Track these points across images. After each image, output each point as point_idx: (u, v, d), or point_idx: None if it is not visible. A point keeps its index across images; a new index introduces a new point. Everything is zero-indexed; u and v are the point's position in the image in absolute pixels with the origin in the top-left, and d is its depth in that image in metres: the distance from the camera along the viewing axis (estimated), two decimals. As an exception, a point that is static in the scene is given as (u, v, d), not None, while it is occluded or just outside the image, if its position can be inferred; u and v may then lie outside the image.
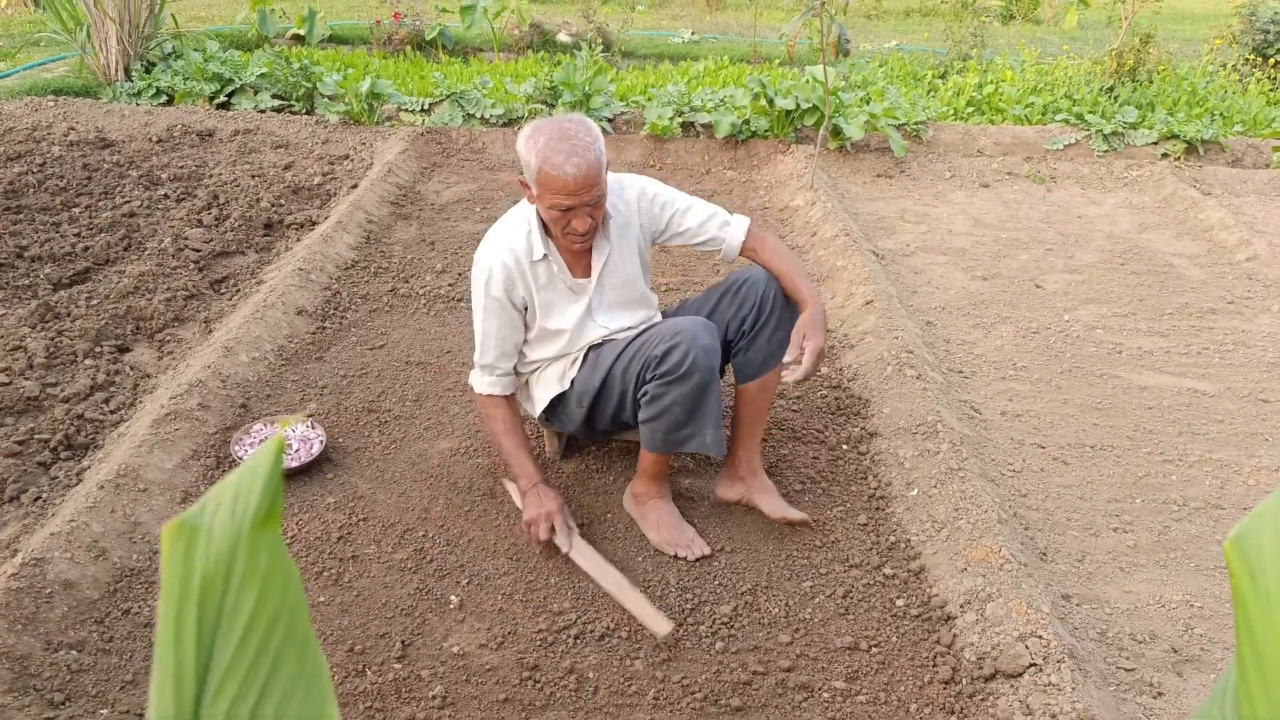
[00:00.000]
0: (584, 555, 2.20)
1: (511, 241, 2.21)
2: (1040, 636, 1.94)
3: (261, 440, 2.59)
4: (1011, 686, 1.89)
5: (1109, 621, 2.18)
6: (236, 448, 2.57)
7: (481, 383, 2.33)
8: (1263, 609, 0.56)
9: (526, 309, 2.27)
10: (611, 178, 2.25)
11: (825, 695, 1.92)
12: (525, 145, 2.06)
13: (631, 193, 2.30)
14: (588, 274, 2.28)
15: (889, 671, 1.99)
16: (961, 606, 2.12)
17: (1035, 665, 1.89)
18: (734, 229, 2.33)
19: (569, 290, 2.27)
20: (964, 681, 1.95)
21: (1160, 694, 1.98)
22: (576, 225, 2.10)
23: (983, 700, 1.90)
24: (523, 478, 2.28)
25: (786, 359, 2.17)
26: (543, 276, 2.23)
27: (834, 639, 2.07)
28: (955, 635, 2.06)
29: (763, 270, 2.31)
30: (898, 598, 2.19)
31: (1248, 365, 3.33)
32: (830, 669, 1.99)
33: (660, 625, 2.02)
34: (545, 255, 2.21)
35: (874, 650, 2.04)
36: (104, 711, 1.83)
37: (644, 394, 2.15)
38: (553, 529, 2.20)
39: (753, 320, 2.27)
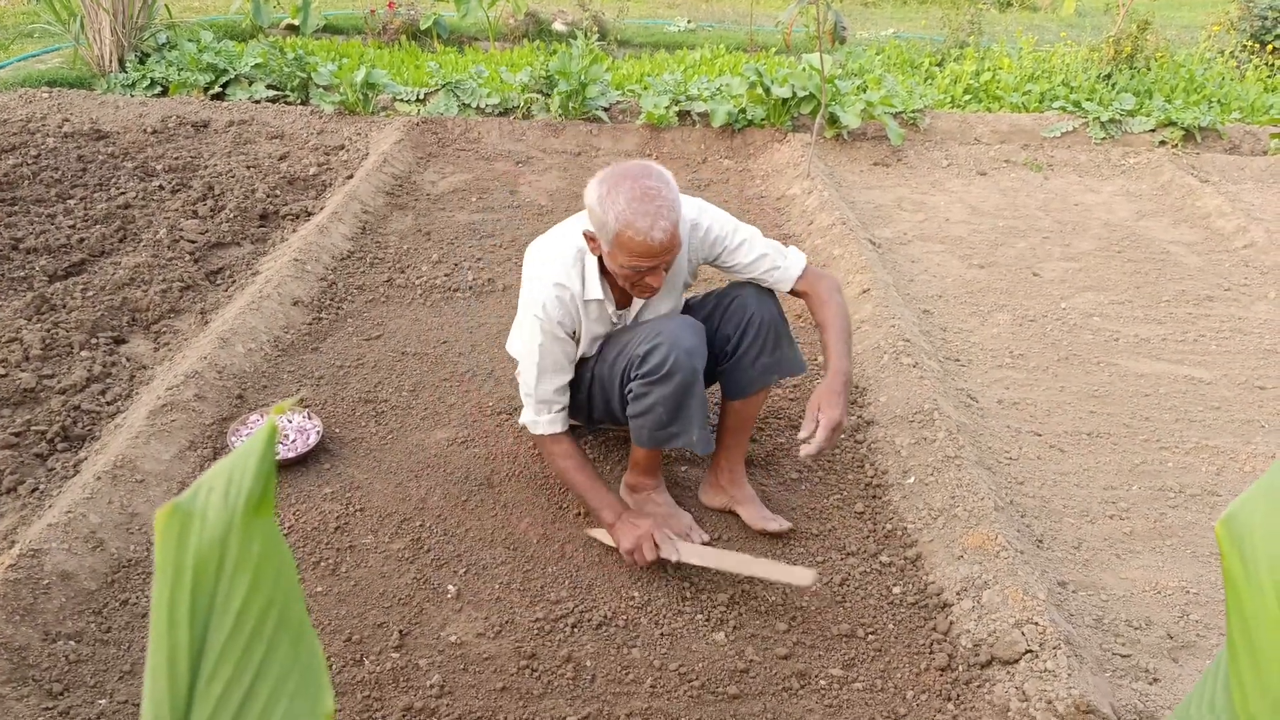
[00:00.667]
0: (694, 553, 2.16)
1: (563, 278, 2.10)
2: (1036, 623, 1.94)
3: (258, 431, 2.59)
4: (1008, 673, 1.90)
5: (1105, 608, 2.19)
6: (233, 438, 2.57)
7: (541, 422, 2.18)
8: (1253, 591, 0.56)
9: (575, 339, 2.20)
10: None
11: (822, 683, 1.93)
12: (599, 203, 1.94)
13: (684, 227, 2.14)
14: (629, 304, 2.23)
15: (885, 659, 1.99)
16: (958, 594, 2.12)
17: (1031, 651, 1.90)
18: (785, 271, 2.20)
19: (610, 320, 2.23)
20: (960, 668, 1.96)
21: (1156, 680, 1.99)
22: (651, 282, 2.00)
23: (979, 687, 1.91)
24: (607, 510, 2.16)
25: (801, 434, 2.04)
26: (594, 313, 2.17)
27: (830, 627, 2.07)
28: (952, 622, 2.07)
29: (757, 293, 2.21)
30: (894, 585, 2.20)
31: (1244, 352, 3.33)
32: (827, 656, 2.00)
33: (803, 577, 2.05)
34: (601, 299, 2.14)
35: (870, 638, 2.05)
36: (102, 701, 1.84)
37: (629, 391, 2.14)
38: (655, 546, 2.13)
39: (735, 343, 2.22)
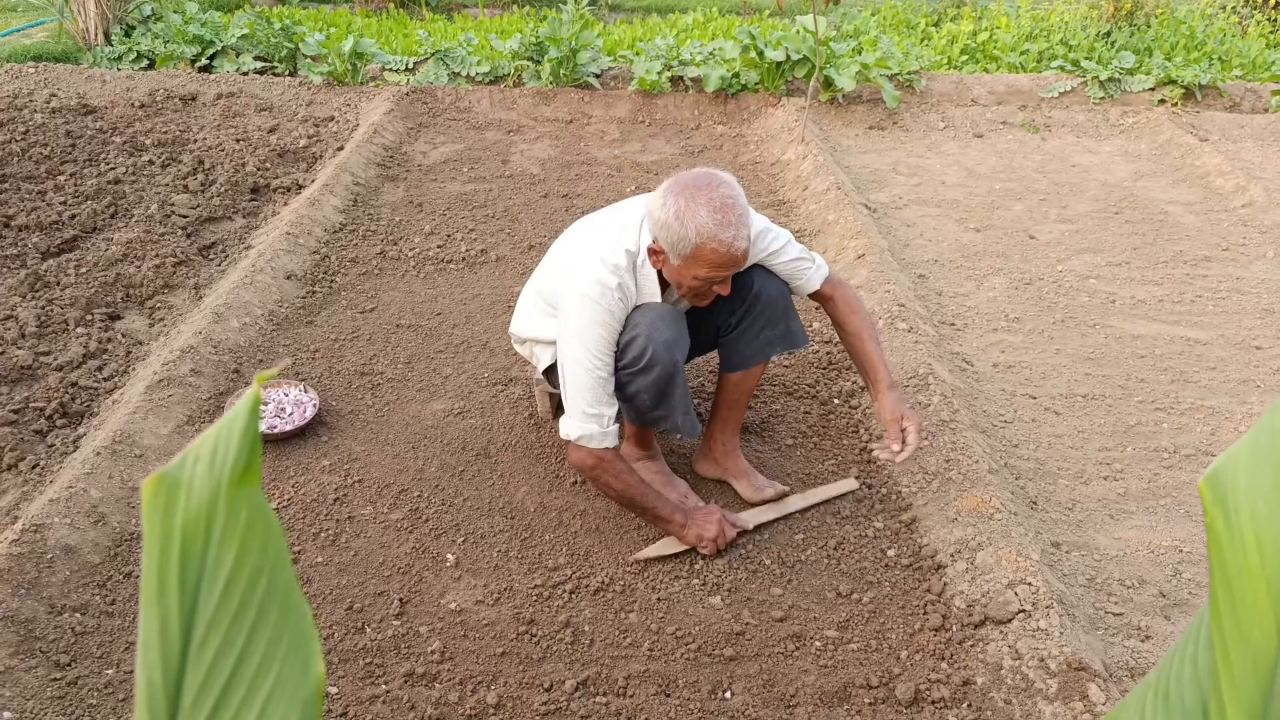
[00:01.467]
0: (759, 516, 2.27)
1: (621, 275, 2.01)
2: (1029, 583, 1.97)
3: (255, 405, 2.59)
4: (1001, 632, 1.92)
5: (1098, 567, 2.21)
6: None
7: (597, 435, 2.00)
8: (1235, 545, 0.56)
9: None
10: None
11: (817, 644, 1.96)
12: (676, 218, 1.89)
13: None
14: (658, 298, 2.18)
15: (880, 620, 2.02)
16: (952, 555, 2.15)
17: (1024, 611, 1.92)
18: (815, 273, 2.22)
19: None
20: (954, 628, 1.98)
21: (1148, 637, 2.02)
22: (720, 291, 2.00)
23: (972, 646, 1.94)
24: (677, 514, 2.11)
25: (890, 449, 2.09)
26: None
27: (826, 590, 2.10)
28: (946, 584, 2.09)
29: (763, 268, 2.19)
30: (889, 548, 2.22)
31: (1241, 312, 3.33)
32: (823, 618, 2.02)
33: (849, 485, 2.36)
34: (654, 301, 2.09)
35: (865, 600, 2.07)
36: (109, 672, 1.86)
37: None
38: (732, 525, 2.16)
39: (741, 315, 2.21)
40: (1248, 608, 0.55)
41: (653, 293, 2.07)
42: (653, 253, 2.00)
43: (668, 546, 2.16)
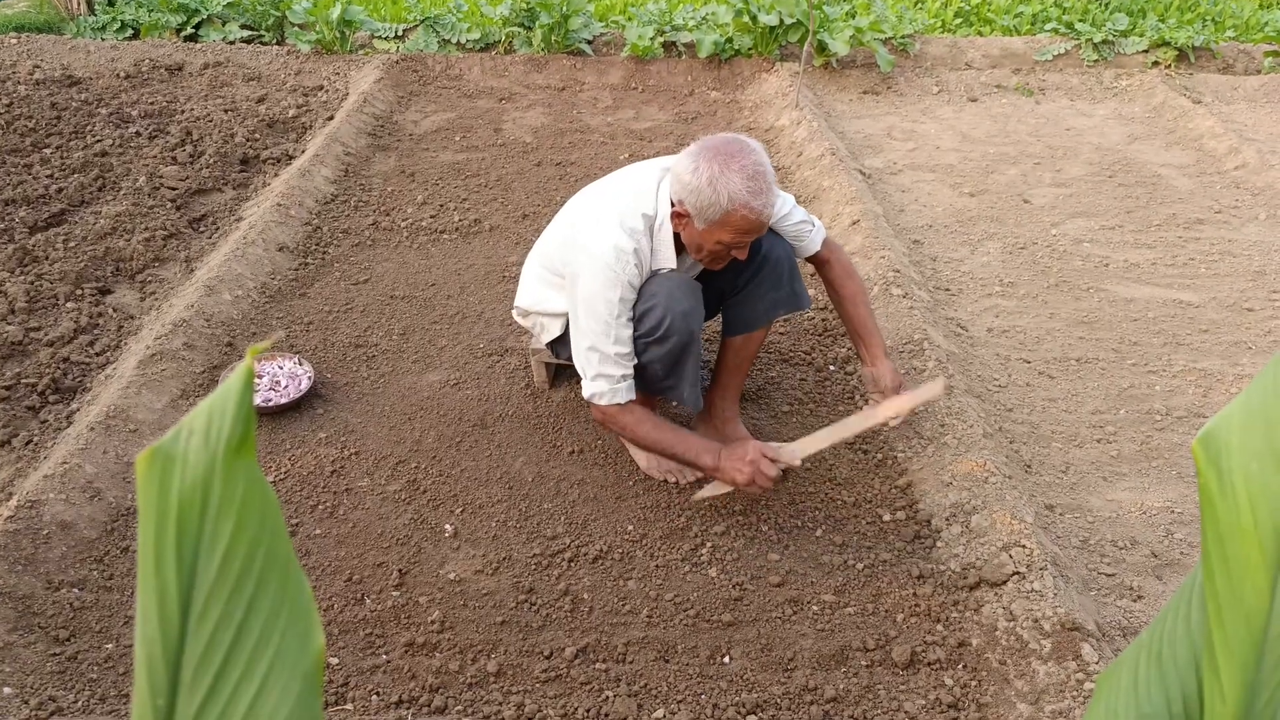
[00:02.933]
0: (809, 445, 2.11)
1: (638, 240, 2.02)
2: (1023, 546, 1.98)
3: (250, 378, 2.59)
4: (995, 594, 1.94)
5: (1091, 529, 2.23)
6: (225, 386, 2.57)
7: (614, 391, 2.03)
8: (1228, 505, 0.57)
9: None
10: None
11: (814, 608, 1.98)
12: (709, 184, 1.89)
13: None
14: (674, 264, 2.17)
15: (876, 584, 2.04)
16: (947, 519, 2.16)
17: (1018, 573, 1.94)
18: (815, 235, 2.26)
19: None
20: (949, 591, 2.00)
21: (1140, 597, 2.04)
22: (740, 255, 2.02)
23: (967, 608, 1.96)
24: (706, 454, 2.05)
25: (882, 414, 2.11)
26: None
27: (822, 555, 2.11)
28: (941, 547, 2.11)
29: (770, 232, 2.18)
30: (884, 513, 2.23)
31: (1233, 274, 3.33)
32: (820, 583, 2.04)
33: (935, 389, 2.12)
34: (674, 269, 2.09)
35: (862, 564, 2.09)
36: (109, 646, 1.87)
37: None
38: (772, 461, 2.06)
39: (749, 277, 2.21)
40: (1240, 567, 0.56)
41: (668, 257, 2.07)
42: (677, 215, 2.00)
43: (719, 487, 2.12)
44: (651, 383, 2.16)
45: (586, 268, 2.01)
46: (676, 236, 2.06)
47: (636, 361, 2.09)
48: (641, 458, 2.34)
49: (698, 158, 1.92)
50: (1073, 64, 5.32)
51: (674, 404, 2.60)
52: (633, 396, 2.06)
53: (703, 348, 2.19)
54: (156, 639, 0.48)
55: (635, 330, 2.06)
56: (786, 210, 2.21)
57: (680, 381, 2.13)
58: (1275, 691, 0.55)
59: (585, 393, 2.08)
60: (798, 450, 2.08)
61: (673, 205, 2.00)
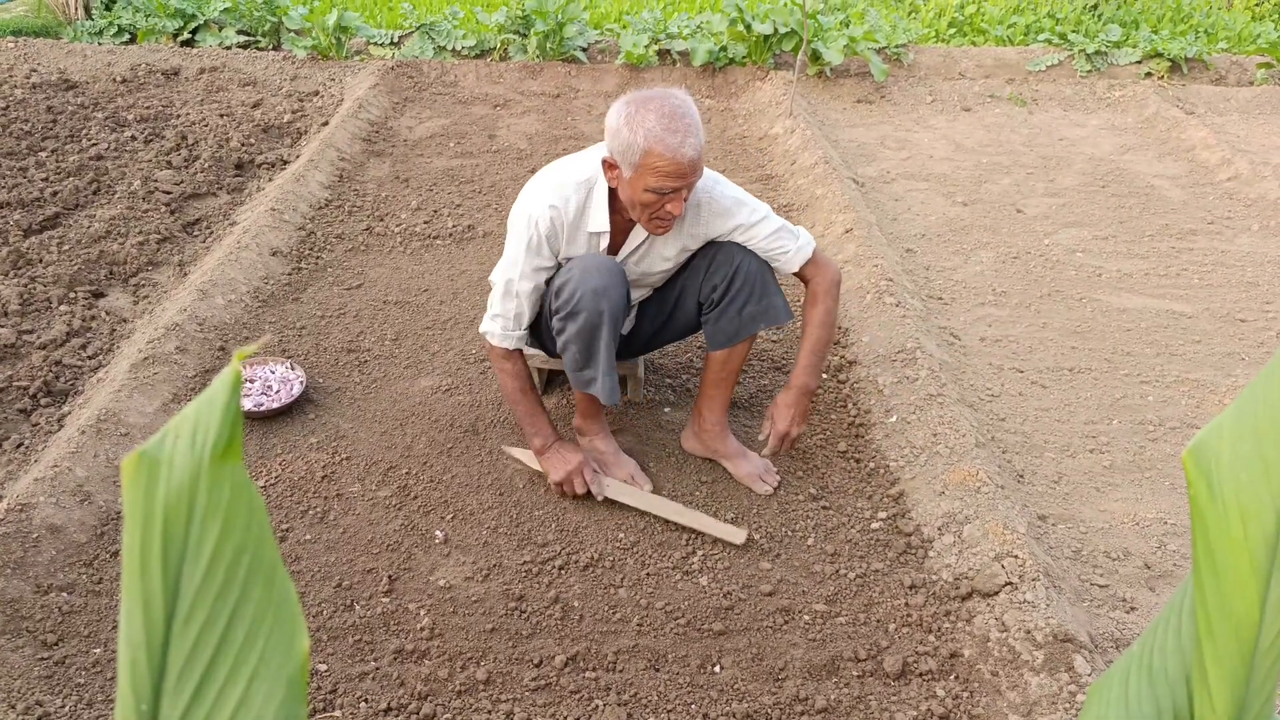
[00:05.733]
0: (624, 493, 2.22)
1: (558, 201, 2.06)
2: (1016, 556, 1.98)
3: (243, 382, 2.57)
4: (988, 604, 1.94)
5: (1084, 540, 2.23)
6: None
7: (495, 333, 2.18)
8: (1218, 515, 0.57)
9: (556, 264, 2.16)
10: None
11: (805, 618, 1.97)
12: (626, 123, 1.91)
13: (700, 196, 2.11)
14: (617, 252, 2.18)
15: (868, 594, 2.03)
16: (939, 529, 2.16)
17: (1011, 584, 1.94)
18: (795, 254, 2.16)
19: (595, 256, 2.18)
20: (941, 601, 2.00)
21: (1133, 608, 2.04)
22: (673, 209, 1.96)
23: (959, 619, 1.96)
24: (538, 437, 2.21)
25: (760, 436, 2.22)
26: (582, 245, 2.12)
27: (814, 564, 2.11)
28: (933, 557, 2.11)
29: (739, 245, 2.16)
30: (876, 523, 2.23)
31: (1226, 285, 3.35)
32: (811, 592, 2.03)
33: (735, 536, 2.13)
34: (602, 232, 2.10)
35: (853, 574, 2.08)
36: (97, 650, 1.86)
37: (553, 328, 2.15)
38: (584, 481, 2.20)
39: (723, 290, 2.17)
40: (1230, 578, 0.56)
41: (600, 219, 2.08)
42: (608, 166, 2.00)
43: (531, 462, 2.29)
44: (575, 372, 2.17)
45: (512, 222, 2.13)
46: (614, 199, 2.07)
47: (559, 347, 2.15)
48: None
49: (620, 104, 1.95)
50: (1066, 74, 5.35)
51: (670, 395, 2.60)
52: (510, 346, 2.17)
53: (618, 336, 2.15)
54: (141, 642, 0.48)
55: (551, 304, 2.12)
56: (756, 221, 2.13)
57: (596, 369, 2.11)
58: (1265, 704, 0.55)
59: (482, 327, 2.21)
60: (615, 491, 2.22)
61: (604, 157, 2.02)
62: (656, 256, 2.20)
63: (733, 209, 2.12)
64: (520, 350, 2.22)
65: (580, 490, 2.20)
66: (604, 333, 2.06)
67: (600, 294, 2.02)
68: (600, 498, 2.21)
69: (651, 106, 1.90)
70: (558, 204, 2.06)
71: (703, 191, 2.10)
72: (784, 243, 2.15)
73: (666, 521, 2.19)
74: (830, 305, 2.18)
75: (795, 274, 2.20)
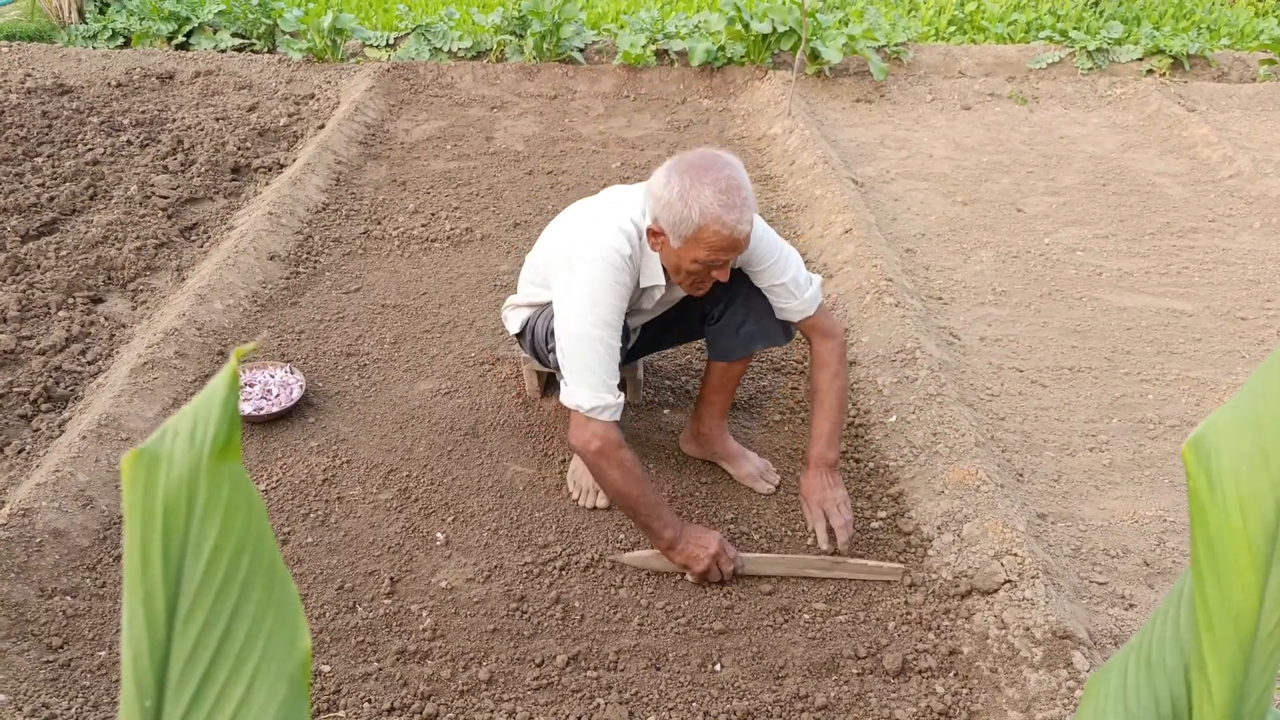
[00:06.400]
0: (767, 564, 2.05)
1: (633, 249, 1.95)
2: (1015, 554, 1.98)
3: (242, 387, 2.58)
4: (987, 602, 1.94)
5: (1083, 538, 2.23)
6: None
7: (610, 409, 1.89)
8: (1217, 507, 0.57)
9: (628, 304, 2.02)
10: None
11: (805, 617, 1.97)
12: (680, 197, 1.80)
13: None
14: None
15: (867, 592, 2.03)
16: (939, 528, 2.16)
17: (1010, 582, 1.94)
18: (795, 308, 2.08)
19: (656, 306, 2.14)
20: (940, 599, 2.00)
21: (1132, 605, 2.04)
22: (719, 277, 1.89)
23: (959, 616, 1.96)
24: (669, 528, 1.96)
25: (818, 538, 2.04)
26: (645, 298, 2.05)
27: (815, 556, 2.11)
28: (933, 555, 2.11)
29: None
30: (876, 522, 2.23)
31: (1227, 284, 3.35)
32: (810, 592, 2.03)
33: (892, 572, 2.04)
34: (662, 284, 2.01)
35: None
36: (102, 653, 1.86)
37: (549, 348, 2.12)
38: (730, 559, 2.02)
39: (724, 308, 2.15)
40: (1229, 569, 0.56)
41: (656, 271, 2.00)
42: (652, 234, 1.91)
43: (655, 561, 2.04)
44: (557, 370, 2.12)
45: (587, 272, 1.92)
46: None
47: (553, 366, 2.04)
48: (570, 475, 2.27)
49: (670, 172, 1.84)
50: (1067, 72, 5.36)
51: (669, 398, 2.60)
52: (619, 418, 1.91)
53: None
54: (143, 639, 0.48)
55: (543, 333, 2.09)
56: (771, 263, 2.03)
57: None
58: (1264, 694, 0.55)
59: (583, 403, 1.88)
60: (751, 563, 2.04)
61: (649, 225, 1.93)
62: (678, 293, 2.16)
63: (763, 249, 2.03)
64: (618, 424, 1.93)
65: (727, 569, 2.00)
66: None
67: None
68: (745, 570, 2.03)
69: (707, 180, 1.80)
70: (634, 253, 1.95)
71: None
72: (789, 296, 2.07)
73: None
74: (839, 369, 2.08)
75: (796, 325, 2.13)
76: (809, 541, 2.16)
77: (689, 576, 2.02)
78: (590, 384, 1.88)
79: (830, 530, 2.06)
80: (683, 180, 1.81)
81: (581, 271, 1.92)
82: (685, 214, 1.81)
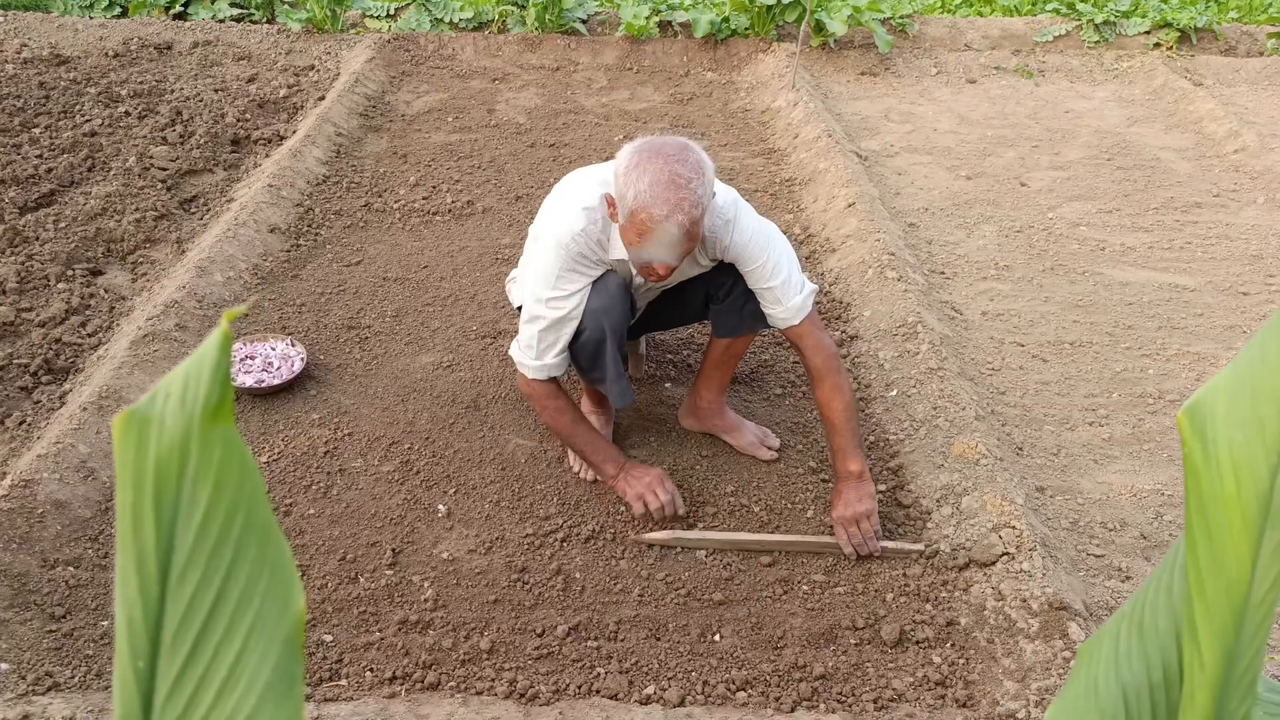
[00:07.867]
0: (709, 535, 2.08)
1: (591, 222, 1.95)
2: (1013, 527, 1.99)
3: (243, 359, 2.58)
4: (985, 575, 1.95)
5: (1081, 511, 2.24)
6: (217, 367, 2.56)
7: (531, 369, 2.05)
8: (1211, 473, 0.57)
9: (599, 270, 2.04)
10: None
11: (804, 588, 1.98)
12: (625, 174, 1.80)
13: (711, 219, 1.94)
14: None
15: (866, 564, 2.04)
16: (938, 501, 2.17)
17: (1008, 554, 1.95)
18: (781, 313, 2.03)
19: (630, 280, 2.13)
20: (938, 571, 2.01)
21: (1129, 578, 2.05)
22: (659, 269, 1.87)
23: (956, 588, 1.97)
24: (610, 463, 2.10)
25: (845, 551, 2.03)
26: (600, 269, 2.03)
27: (813, 535, 2.12)
28: (931, 528, 2.12)
29: None
30: (876, 494, 2.23)
31: (1230, 259, 3.33)
32: (810, 563, 2.05)
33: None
34: (625, 259, 1.98)
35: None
36: (105, 623, 1.88)
37: None
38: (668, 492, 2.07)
39: (727, 290, 2.13)
40: (1223, 536, 0.56)
41: (619, 243, 1.97)
42: (610, 203, 1.91)
43: (664, 532, 2.08)
44: (582, 373, 2.16)
45: (542, 250, 2.01)
46: None
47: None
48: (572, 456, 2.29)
49: (633, 150, 1.83)
50: (1073, 45, 5.30)
51: (671, 371, 2.60)
52: (553, 375, 2.07)
53: (624, 343, 2.10)
54: (136, 601, 0.48)
55: None
56: (758, 265, 2.00)
57: (604, 375, 2.08)
58: (1254, 659, 0.55)
59: (514, 355, 2.10)
60: (682, 509, 2.08)
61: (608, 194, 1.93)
62: (678, 273, 2.13)
63: (743, 249, 2.00)
64: (557, 380, 2.10)
65: (664, 498, 2.05)
66: (608, 347, 2.04)
67: (600, 312, 2.00)
68: (682, 510, 2.09)
69: (654, 167, 1.76)
70: (588, 226, 1.95)
71: (718, 214, 1.96)
72: (776, 300, 2.03)
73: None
74: (838, 380, 2.04)
75: (783, 332, 2.09)
76: (808, 514, 2.17)
77: (633, 508, 2.10)
78: (527, 351, 2.07)
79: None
80: (632, 159, 1.81)
81: (537, 251, 2.05)
82: (623, 192, 1.81)
